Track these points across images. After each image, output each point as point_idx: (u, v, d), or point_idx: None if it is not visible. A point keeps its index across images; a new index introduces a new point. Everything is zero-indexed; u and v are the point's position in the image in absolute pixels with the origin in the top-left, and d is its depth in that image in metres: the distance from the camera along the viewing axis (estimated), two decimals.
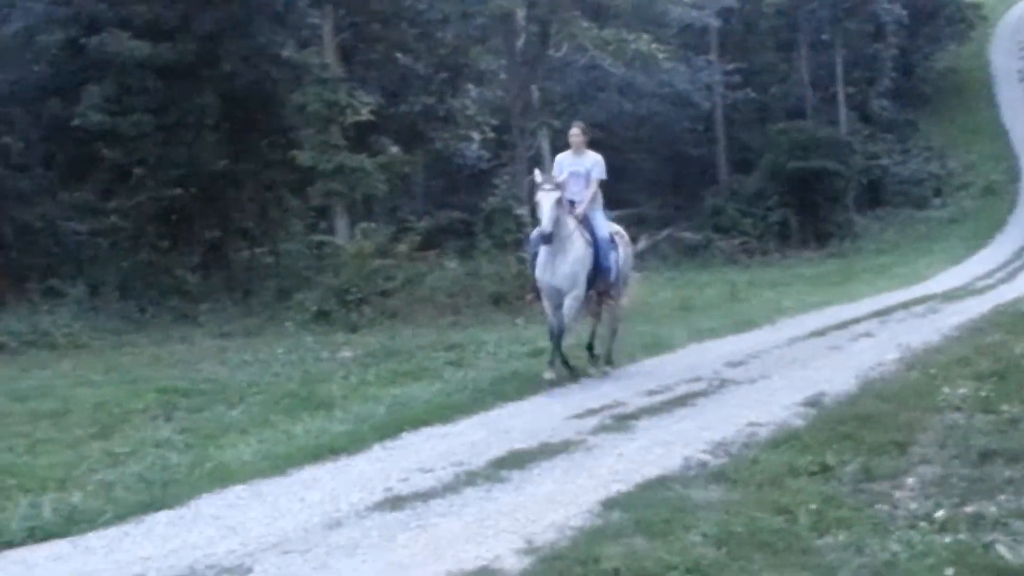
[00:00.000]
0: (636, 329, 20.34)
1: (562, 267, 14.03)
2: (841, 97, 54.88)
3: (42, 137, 30.65)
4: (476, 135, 34.26)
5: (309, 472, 10.04)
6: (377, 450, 10.94)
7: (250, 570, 7.33)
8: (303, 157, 26.48)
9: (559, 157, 14.90)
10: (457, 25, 30.88)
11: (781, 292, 29.40)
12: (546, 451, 10.43)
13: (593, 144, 14.87)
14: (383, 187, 27.32)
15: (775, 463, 9.38)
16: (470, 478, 9.45)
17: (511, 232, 27.12)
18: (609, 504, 8.42)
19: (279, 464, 10.09)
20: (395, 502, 8.79)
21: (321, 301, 23.96)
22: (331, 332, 21.80)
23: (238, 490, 9.46)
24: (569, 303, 14.16)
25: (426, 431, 11.76)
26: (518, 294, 24.77)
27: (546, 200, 13.69)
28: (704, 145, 52.88)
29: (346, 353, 18.77)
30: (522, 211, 27.54)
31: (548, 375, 14.24)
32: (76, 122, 26.22)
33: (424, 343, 19.34)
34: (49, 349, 21.21)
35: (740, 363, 15.90)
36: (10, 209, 30.09)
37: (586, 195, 14.50)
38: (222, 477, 9.79)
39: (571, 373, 14.67)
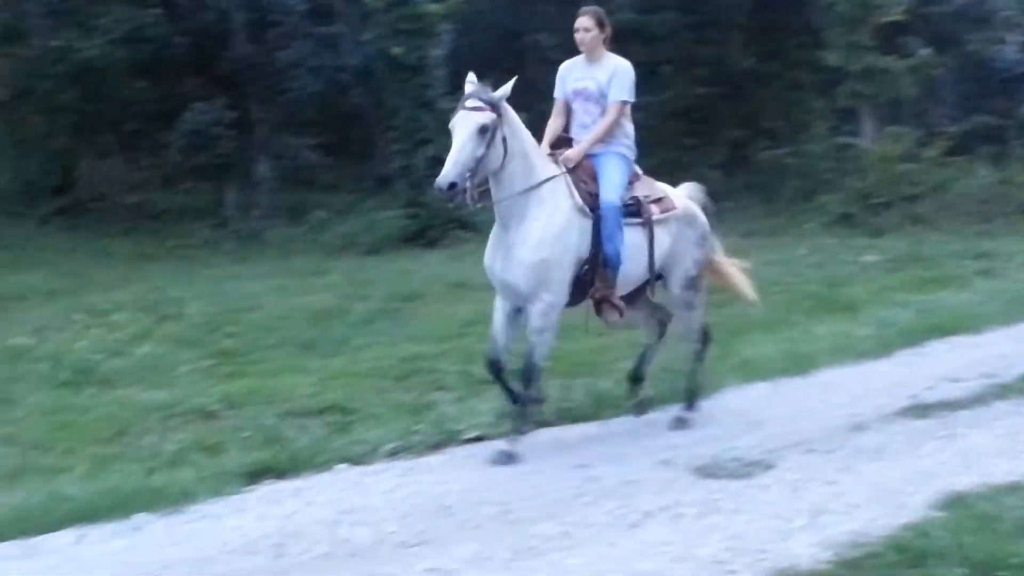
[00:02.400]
0: None
1: (520, 249, 7.86)
2: None
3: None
4: (1013, 38, 32.61)
5: (831, 373, 10.06)
6: (902, 356, 10.81)
7: (772, 466, 7.42)
8: (830, 58, 26.05)
9: (563, 66, 8.71)
10: None
11: None
12: None
13: None
14: (912, 90, 26.51)
15: None
16: (1000, 391, 9.20)
17: None
18: None
19: (801, 363, 10.13)
20: (920, 410, 8.68)
21: (844, 204, 23.62)
22: (853, 236, 21.45)
23: (760, 387, 9.59)
24: (536, 316, 7.97)
25: (953, 340, 11.50)
26: None
27: (460, 125, 7.63)
28: None
29: (869, 257, 18.47)
30: None
31: (504, 446, 7.86)
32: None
33: (951, 251, 18.75)
34: None
35: None
36: None
37: (597, 128, 8.35)
38: (745, 372, 9.95)
39: (517, 419, 8.03)
